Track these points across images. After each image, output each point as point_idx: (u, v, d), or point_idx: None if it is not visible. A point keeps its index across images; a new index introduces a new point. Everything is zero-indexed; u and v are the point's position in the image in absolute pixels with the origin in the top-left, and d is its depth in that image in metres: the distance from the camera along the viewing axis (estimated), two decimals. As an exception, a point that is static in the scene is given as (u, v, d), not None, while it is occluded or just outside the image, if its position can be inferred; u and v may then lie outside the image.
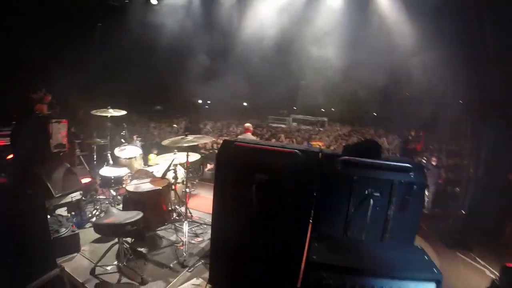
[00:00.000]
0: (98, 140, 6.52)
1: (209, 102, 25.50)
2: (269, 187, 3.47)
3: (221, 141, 4.50)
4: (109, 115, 6.25)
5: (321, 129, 20.05)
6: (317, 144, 14.10)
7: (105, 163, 6.36)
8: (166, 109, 20.08)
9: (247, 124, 8.12)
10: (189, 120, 14.67)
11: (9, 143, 6.36)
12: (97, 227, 4.18)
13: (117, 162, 6.33)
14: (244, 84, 18.21)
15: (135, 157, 6.37)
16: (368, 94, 18.54)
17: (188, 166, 5.55)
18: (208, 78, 17.04)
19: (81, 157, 6.95)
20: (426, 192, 7.50)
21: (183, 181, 5.74)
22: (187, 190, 5.58)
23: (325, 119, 19.90)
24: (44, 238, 3.58)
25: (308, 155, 3.48)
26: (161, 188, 5.22)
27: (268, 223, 3.53)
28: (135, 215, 4.34)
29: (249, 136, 7.81)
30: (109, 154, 6.39)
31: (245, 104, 24.77)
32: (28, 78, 6.43)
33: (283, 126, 22.29)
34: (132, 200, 5.12)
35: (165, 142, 5.50)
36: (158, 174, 5.82)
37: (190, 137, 5.34)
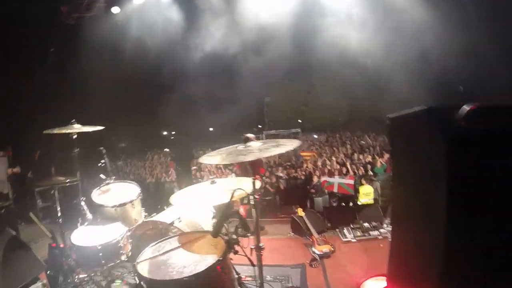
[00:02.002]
0: (61, 179, 3.41)
1: (173, 133, 22.81)
2: None
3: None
4: (74, 131, 3.37)
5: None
6: (309, 155, 12.12)
7: (79, 220, 3.36)
8: (131, 145, 17.03)
9: (250, 135, 5.90)
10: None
11: None
12: None
13: (100, 214, 3.39)
14: (207, 109, 16.15)
15: (131, 201, 3.49)
16: (336, 101, 18.13)
17: (258, 201, 2.82)
18: (171, 107, 14.70)
19: (31, 214, 3.71)
20: None
21: (245, 233, 2.54)
22: (261, 244, 2.72)
23: (299, 129, 18.89)
24: None
25: None
26: (220, 259, 2.32)
27: None
28: None
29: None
30: (83, 203, 3.40)
31: (211, 129, 22.85)
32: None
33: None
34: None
35: (213, 159, 2.63)
36: (187, 225, 3.09)
37: (258, 143, 2.66)
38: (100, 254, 2.96)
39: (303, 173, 9.49)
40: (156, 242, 2.81)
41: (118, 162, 12.34)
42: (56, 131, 3.29)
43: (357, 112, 15.89)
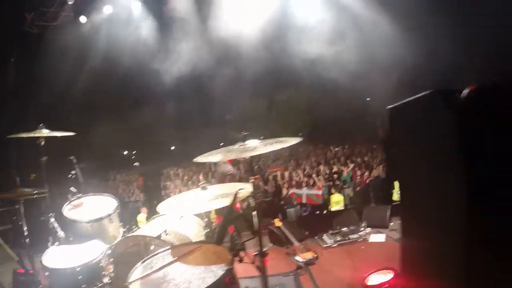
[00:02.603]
0: (27, 190, 2.93)
1: (134, 152, 21.45)
2: None
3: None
4: (42, 136, 2.93)
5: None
6: (276, 170, 12.10)
7: (50, 239, 2.86)
8: (91, 165, 15.54)
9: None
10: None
11: None
12: None
13: (72, 231, 2.93)
14: (171, 128, 15.62)
15: (109, 215, 3.08)
16: (297, 112, 18.18)
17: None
18: (134, 125, 13.98)
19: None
20: None
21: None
22: (265, 248, 2.42)
23: (262, 145, 18.76)
24: None
25: None
26: (230, 267, 2.01)
27: None
28: None
29: (227, 166, 5.45)
30: (53, 220, 2.91)
31: (173, 148, 21.63)
32: None
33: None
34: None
35: (214, 157, 2.51)
36: (175, 238, 2.78)
37: (256, 141, 2.52)
38: (80, 277, 2.50)
39: (273, 186, 9.43)
40: (146, 258, 2.45)
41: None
42: (24, 135, 2.83)
43: (318, 125, 16.23)
